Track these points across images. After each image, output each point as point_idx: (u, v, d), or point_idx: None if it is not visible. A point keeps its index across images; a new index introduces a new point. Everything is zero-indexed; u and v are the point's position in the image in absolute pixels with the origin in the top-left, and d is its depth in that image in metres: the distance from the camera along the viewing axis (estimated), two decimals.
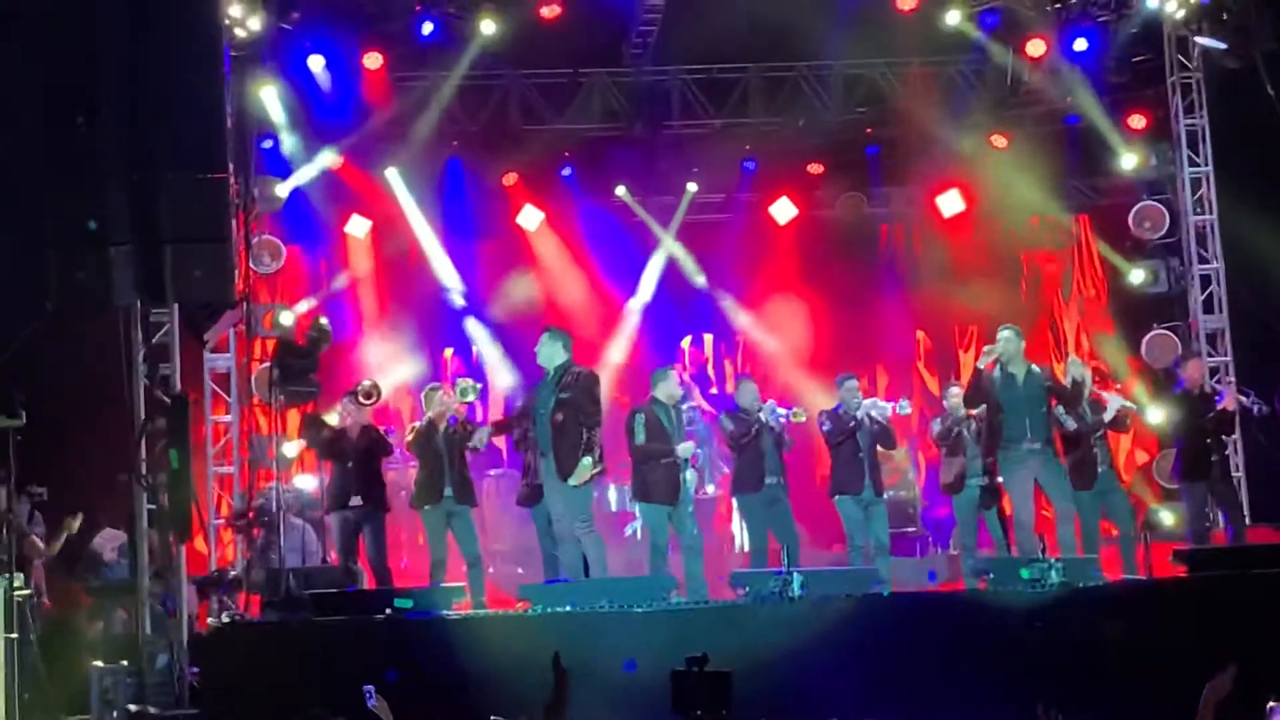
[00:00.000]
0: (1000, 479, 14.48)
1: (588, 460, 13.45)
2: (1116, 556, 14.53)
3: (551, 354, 13.79)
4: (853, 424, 14.78)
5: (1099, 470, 14.64)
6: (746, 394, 15.11)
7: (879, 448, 15.02)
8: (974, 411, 14.76)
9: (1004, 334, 14.32)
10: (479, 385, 14.51)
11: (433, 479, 14.33)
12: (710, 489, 14.68)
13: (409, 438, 14.68)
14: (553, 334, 13.99)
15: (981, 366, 14.33)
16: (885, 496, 15.34)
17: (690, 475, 14.34)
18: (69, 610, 14.64)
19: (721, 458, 16.39)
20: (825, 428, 15.00)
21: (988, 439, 14.43)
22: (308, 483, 16.08)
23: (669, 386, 14.48)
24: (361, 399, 14.59)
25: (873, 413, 14.84)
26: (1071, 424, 14.56)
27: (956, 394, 15.29)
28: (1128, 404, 15.03)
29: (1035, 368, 14.46)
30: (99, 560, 14.95)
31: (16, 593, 11.45)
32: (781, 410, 14.80)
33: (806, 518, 15.21)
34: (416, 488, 14.58)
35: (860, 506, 14.75)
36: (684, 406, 15.12)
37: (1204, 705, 6.62)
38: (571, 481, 13.45)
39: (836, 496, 14.87)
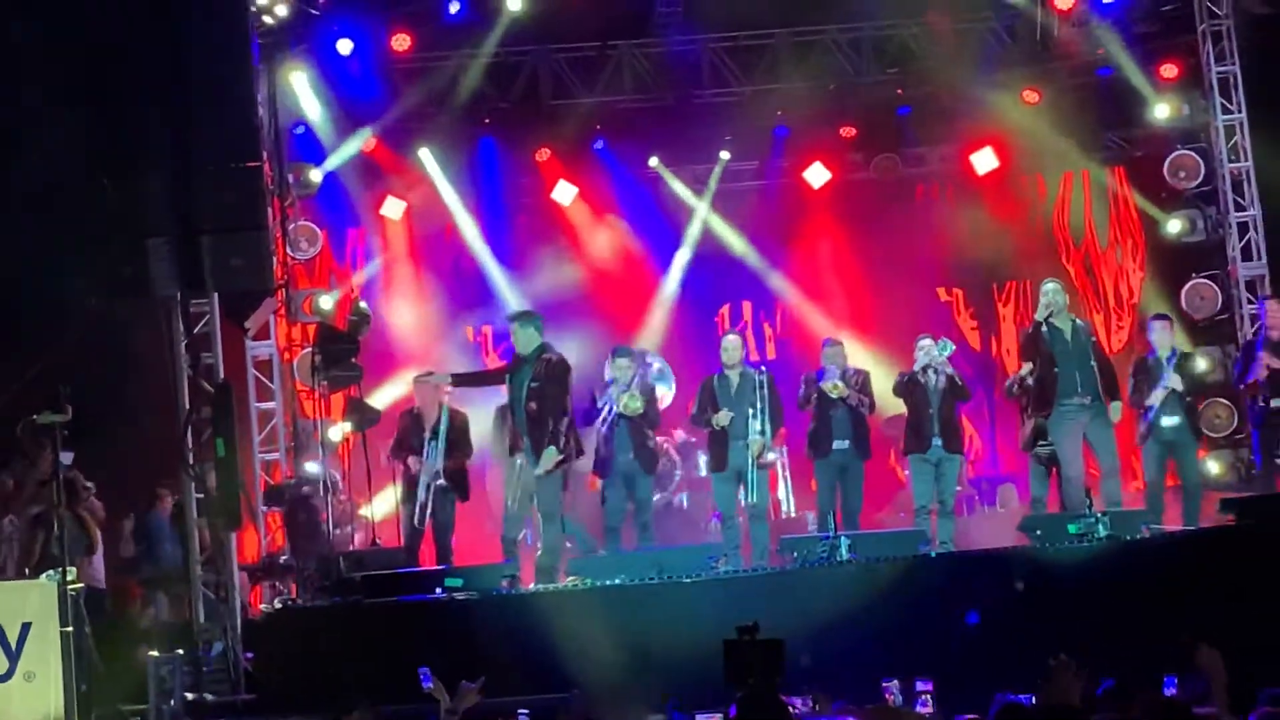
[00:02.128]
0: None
1: (552, 450, 13.57)
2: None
3: (528, 339, 13.91)
4: (911, 380, 14.68)
5: (1163, 424, 14.49)
6: (826, 357, 15.10)
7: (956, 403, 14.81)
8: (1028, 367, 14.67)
9: (1048, 286, 14.32)
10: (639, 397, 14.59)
11: None
12: (770, 455, 14.69)
13: None
14: (523, 320, 14.11)
15: (1041, 320, 14.22)
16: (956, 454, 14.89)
17: (753, 440, 14.40)
18: (122, 602, 14.79)
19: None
20: (895, 384, 14.97)
21: (1038, 394, 14.34)
22: (313, 469, 16.12)
23: (723, 353, 14.72)
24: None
25: (935, 367, 14.59)
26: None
27: None
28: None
29: (1080, 322, 14.47)
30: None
31: (70, 587, 11.54)
32: (832, 380, 14.75)
33: None
34: None
35: (930, 464, 14.57)
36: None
37: (1212, 678, 6.54)
38: (537, 471, 13.63)
39: (908, 455, 14.85)
